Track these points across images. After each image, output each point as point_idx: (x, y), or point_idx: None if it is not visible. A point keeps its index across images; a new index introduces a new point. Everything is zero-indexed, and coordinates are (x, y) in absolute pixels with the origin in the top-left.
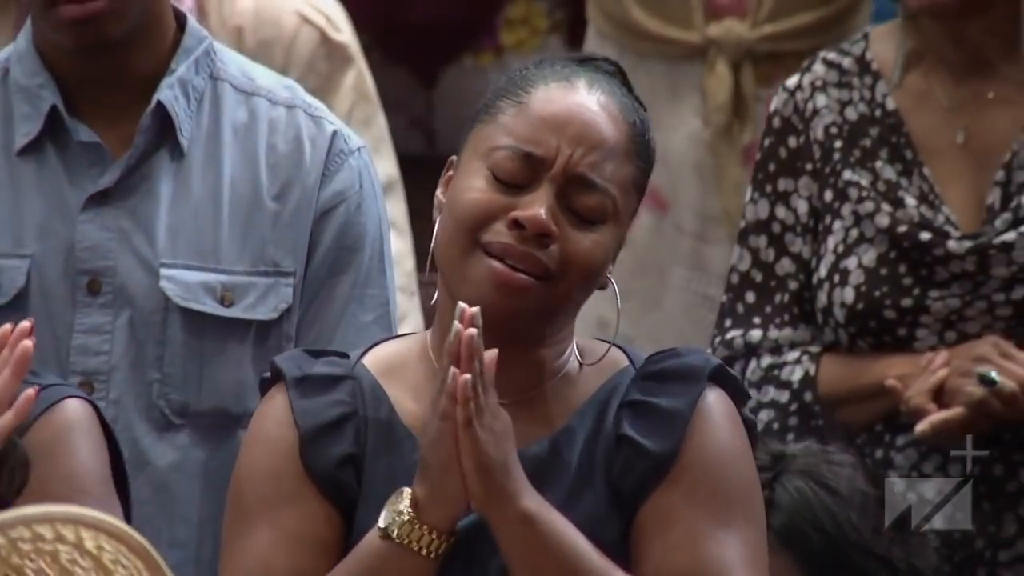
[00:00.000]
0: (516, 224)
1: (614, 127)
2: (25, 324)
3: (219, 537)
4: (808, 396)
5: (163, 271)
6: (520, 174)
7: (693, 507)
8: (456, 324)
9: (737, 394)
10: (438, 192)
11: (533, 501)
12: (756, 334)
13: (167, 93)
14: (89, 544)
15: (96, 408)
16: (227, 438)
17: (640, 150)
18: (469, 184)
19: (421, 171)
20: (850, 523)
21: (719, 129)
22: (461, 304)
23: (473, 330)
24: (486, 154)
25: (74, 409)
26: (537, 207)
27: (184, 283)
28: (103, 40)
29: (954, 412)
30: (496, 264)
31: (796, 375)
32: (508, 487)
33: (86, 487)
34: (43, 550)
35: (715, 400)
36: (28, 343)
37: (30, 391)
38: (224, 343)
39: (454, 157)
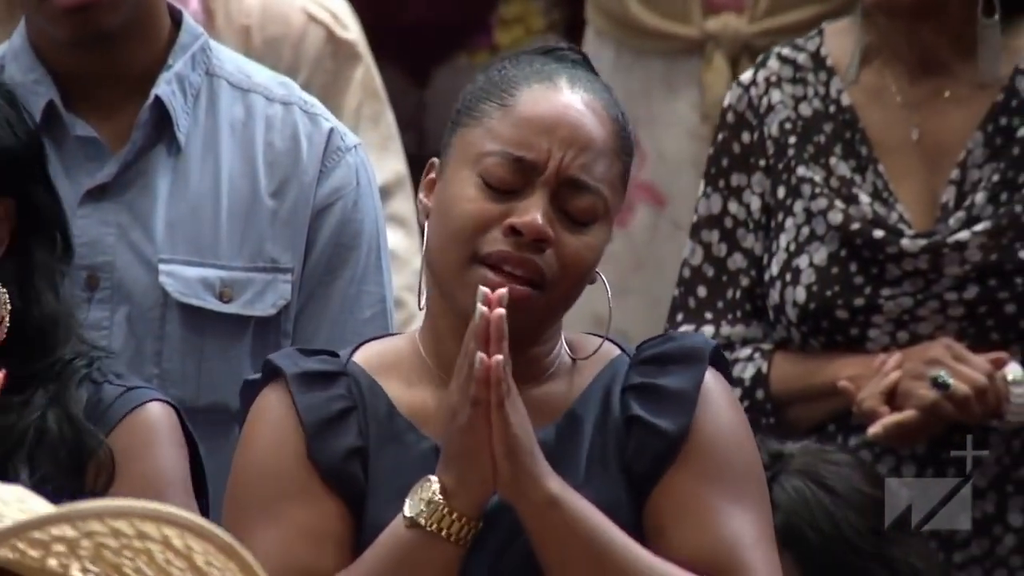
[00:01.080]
0: (513, 231)
1: (601, 126)
2: None
3: None
4: (760, 394)
5: (162, 266)
6: (512, 179)
7: (706, 485)
8: (481, 307)
9: (728, 378)
10: (420, 195)
11: (557, 484)
12: (708, 329)
13: (165, 88)
14: (177, 543)
15: (178, 411)
16: (225, 434)
17: (625, 145)
18: (459, 192)
19: (413, 170)
20: (848, 522)
21: (716, 124)
22: (483, 288)
23: (501, 311)
24: (475, 160)
25: (157, 412)
26: (533, 213)
27: (183, 279)
28: (98, 30)
29: (906, 415)
30: (492, 276)
31: (748, 372)
32: (534, 470)
33: (167, 490)
34: (136, 548)
35: (714, 381)
36: None
37: None
38: (222, 339)
39: (435, 160)
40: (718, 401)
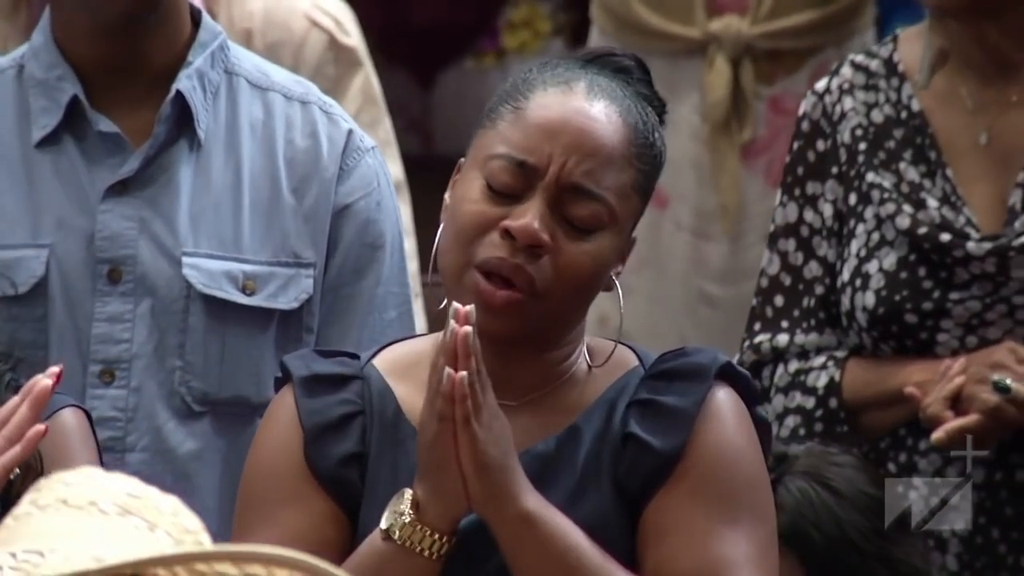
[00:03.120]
0: (507, 234)
1: (612, 132)
2: (54, 369)
3: None
4: (833, 402)
5: (185, 259)
6: (514, 183)
7: (698, 505)
8: (452, 323)
9: (748, 393)
10: (446, 195)
11: (533, 501)
12: (783, 338)
13: (185, 83)
14: None
15: (89, 416)
16: (247, 427)
17: (642, 153)
18: (465, 194)
19: (418, 172)
20: (852, 524)
21: (717, 125)
22: (455, 304)
23: (468, 328)
24: (483, 163)
25: (72, 419)
26: (528, 217)
27: (207, 271)
28: (152, 3)
29: (970, 420)
30: (484, 283)
31: (822, 381)
32: (507, 487)
33: None
34: None
35: (723, 398)
36: (47, 381)
37: (40, 427)
38: (245, 331)
39: (463, 160)
40: (722, 419)
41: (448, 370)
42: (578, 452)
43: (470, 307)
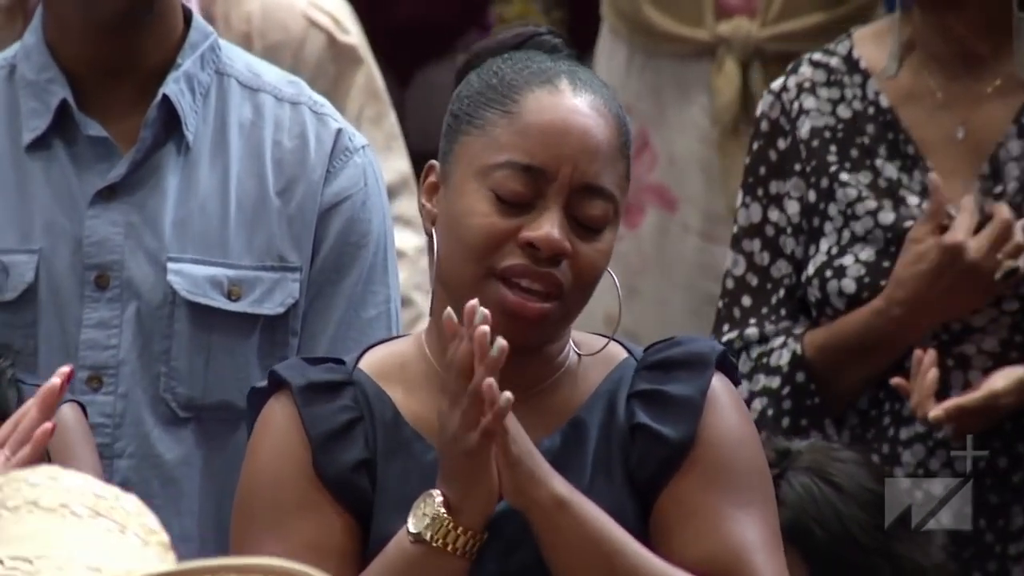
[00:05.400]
0: (529, 246)
1: (606, 127)
2: (64, 369)
3: (222, 531)
4: (800, 376)
5: (170, 265)
6: (524, 191)
7: (712, 491)
8: (483, 328)
9: (735, 381)
10: (422, 200)
11: (563, 486)
12: (753, 332)
13: (172, 87)
14: None
15: (84, 409)
16: (233, 432)
17: (626, 142)
18: (471, 207)
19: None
20: (854, 520)
21: (726, 128)
22: (470, 303)
23: (485, 327)
24: (484, 173)
25: (71, 414)
26: (548, 227)
27: (191, 277)
28: (148, 2)
29: (967, 399)
30: (510, 295)
31: (784, 359)
32: (536, 472)
33: None
34: None
35: (721, 385)
36: (56, 380)
37: (47, 425)
38: (230, 337)
39: (434, 163)
40: (724, 406)
41: (488, 380)
42: (585, 446)
43: (476, 305)
